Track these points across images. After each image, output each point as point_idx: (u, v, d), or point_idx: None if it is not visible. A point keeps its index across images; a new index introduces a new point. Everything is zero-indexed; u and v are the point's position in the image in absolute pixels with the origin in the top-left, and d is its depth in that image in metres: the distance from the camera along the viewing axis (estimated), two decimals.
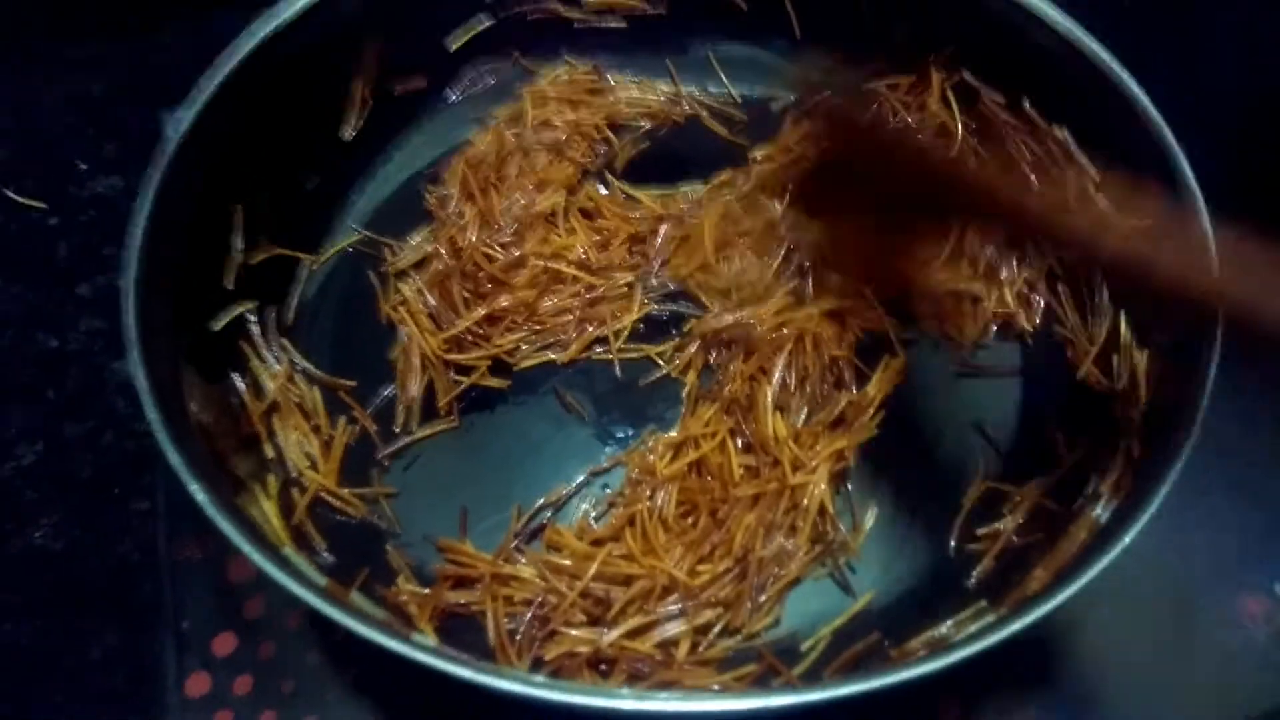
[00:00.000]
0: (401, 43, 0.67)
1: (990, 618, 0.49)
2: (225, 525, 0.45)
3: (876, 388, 0.60)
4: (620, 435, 0.60)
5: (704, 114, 0.72)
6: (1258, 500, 0.60)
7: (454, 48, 0.69)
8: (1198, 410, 0.50)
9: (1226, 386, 0.51)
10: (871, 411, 0.59)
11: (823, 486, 0.56)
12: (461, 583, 0.54)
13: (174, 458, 0.47)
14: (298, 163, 0.65)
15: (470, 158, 0.67)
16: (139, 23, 0.79)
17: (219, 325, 0.59)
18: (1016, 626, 0.44)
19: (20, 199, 0.73)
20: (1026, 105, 0.64)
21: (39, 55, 0.79)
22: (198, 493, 0.46)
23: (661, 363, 0.62)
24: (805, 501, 0.55)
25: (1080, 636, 0.56)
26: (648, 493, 0.55)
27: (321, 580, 0.48)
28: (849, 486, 0.58)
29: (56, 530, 0.62)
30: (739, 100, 0.72)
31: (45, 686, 0.57)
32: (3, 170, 0.75)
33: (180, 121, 0.58)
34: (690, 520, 0.55)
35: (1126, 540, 0.47)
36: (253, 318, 0.61)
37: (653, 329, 0.64)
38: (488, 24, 0.69)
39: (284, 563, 0.46)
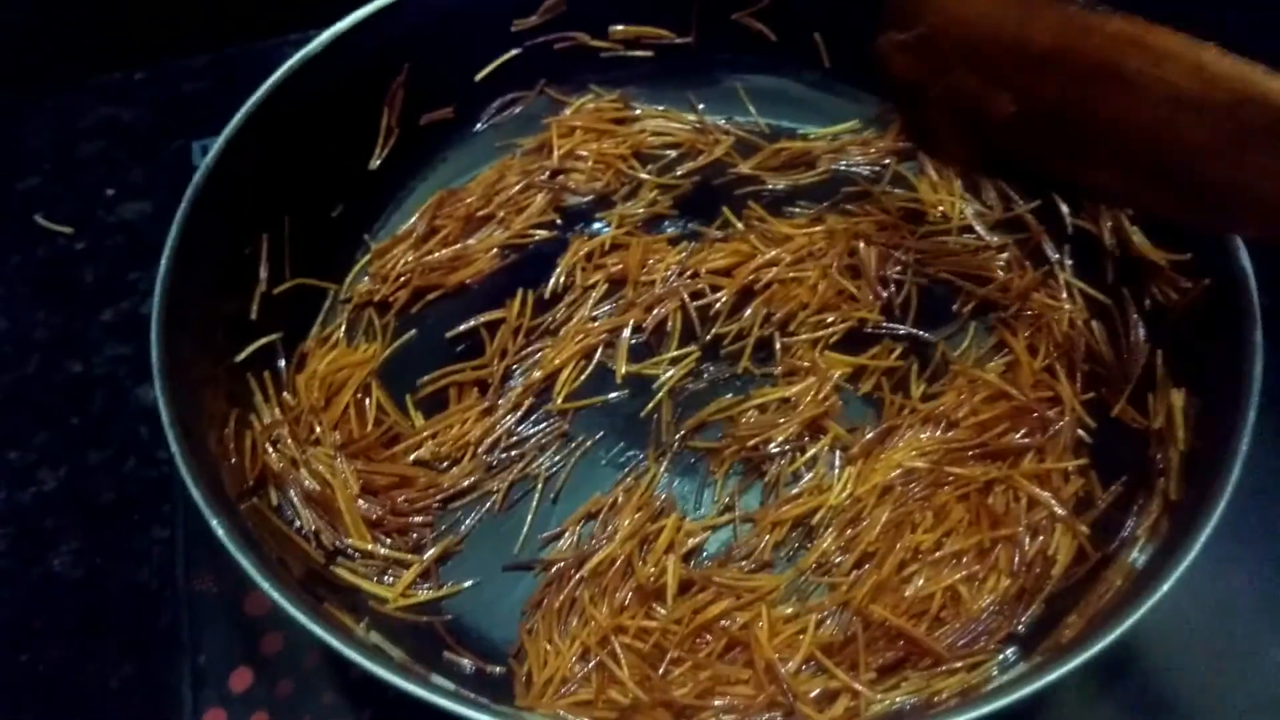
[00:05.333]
0: (429, 73, 0.67)
1: (1023, 666, 0.47)
2: (246, 563, 0.45)
3: None
4: None
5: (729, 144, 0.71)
6: None
7: (480, 78, 0.69)
8: (1238, 454, 0.48)
9: (1267, 427, 0.49)
10: None
11: None
12: None
13: (196, 492, 0.46)
14: (324, 191, 0.66)
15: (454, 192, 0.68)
16: (169, 52, 0.80)
17: (242, 356, 0.59)
18: (1051, 677, 0.43)
19: (49, 224, 0.74)
20: None
21: (71, 83, 0.80)
22: (218, 528, 0.45)
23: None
24: None
25: (1114, 683, 0.54)
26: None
27: (342, 619, 0.47)
28: None
29: (77, 557, 0.62)
30: (767, 130, 0.72)
31: (64, 716, 0.57)
32: (34, 196, 0.76)
33: (209, 151, 0.58)
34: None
35: (1165, 588, 0.45)
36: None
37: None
38: (514, 53, 0.70)
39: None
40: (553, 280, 0.65)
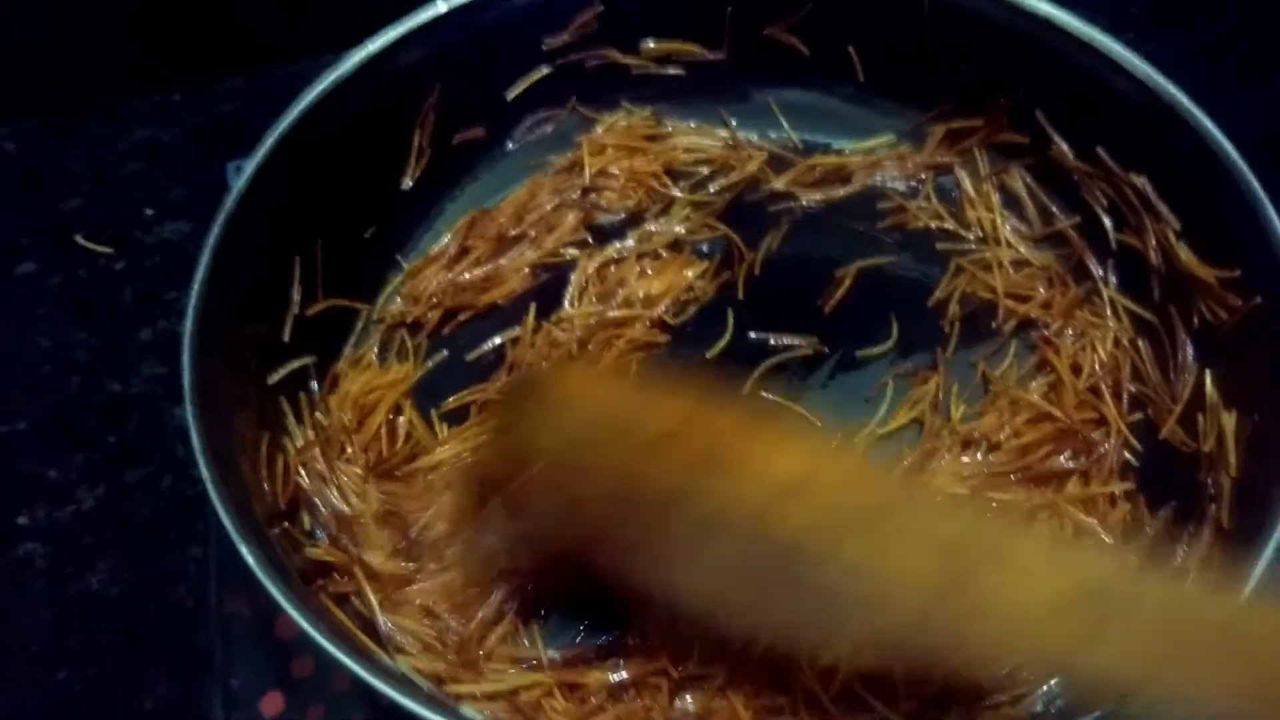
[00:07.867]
0: (461, 93, 0.67)
1: (1068, 699, 0.46)
2: (275, 591, 0.45)
3: None
4: None
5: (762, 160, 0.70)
6: None
7: (512, 97, 0.69)
8: None
9: None
10: None
11: None
12: None
13: (226, 520, 0.46)
14: (356, 212, 0.65)
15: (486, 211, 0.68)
16: (207, 73, 0.81)
17: (276, 379, 0.59)
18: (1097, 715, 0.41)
19: (90, 245, 0.75)
20: (1101, 152, 0.61)
21: (111, 105, 0.81)
22: (248, 555, 0.46)
23: None
24: None
25: None
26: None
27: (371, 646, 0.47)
28: None
29: (114, 576, 0.62)
30: (801, 146, 0.71)
31: None
32: (75, 217, 0.77)
33: (242, 173, 0.58)
34: None
35: None
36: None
37: None
38: (546, 72, 0.69)
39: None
40: (566, 300, 0.65)
